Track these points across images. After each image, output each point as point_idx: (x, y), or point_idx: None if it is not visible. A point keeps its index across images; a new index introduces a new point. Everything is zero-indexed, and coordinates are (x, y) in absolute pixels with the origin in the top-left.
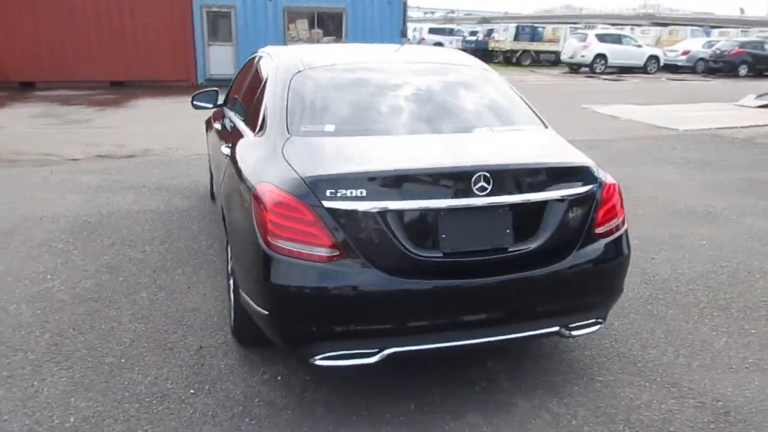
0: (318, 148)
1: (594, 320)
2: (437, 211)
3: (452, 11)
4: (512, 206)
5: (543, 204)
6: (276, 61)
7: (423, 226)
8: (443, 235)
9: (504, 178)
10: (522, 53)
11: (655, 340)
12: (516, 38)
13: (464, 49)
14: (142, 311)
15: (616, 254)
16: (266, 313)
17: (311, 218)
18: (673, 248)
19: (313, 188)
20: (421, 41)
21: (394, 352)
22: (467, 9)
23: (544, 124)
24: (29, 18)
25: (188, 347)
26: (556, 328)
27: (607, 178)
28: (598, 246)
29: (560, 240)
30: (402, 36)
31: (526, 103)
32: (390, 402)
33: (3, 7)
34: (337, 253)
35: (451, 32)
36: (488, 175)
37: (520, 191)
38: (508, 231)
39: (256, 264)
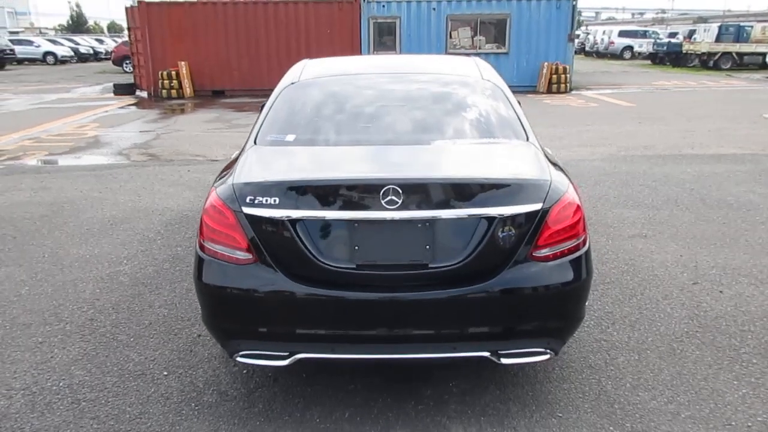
0: (263, 157)
1: (540, 350)
2: (351, 223)
3: (663, 11)
4: (432, 221)
5: (470, 220)
6: (287, 73)
7: (335, 237)
8: (356, 247)
9: (418, 192)
10: (721, 56)
11: (654, 382)
12: (717, 39)
13: (654, 53)
14: (175, 299)
15: (566, 279)
16: (201, 308)
17: (233, 222)
18: (757, 282)
19: (237, 194)
20: (610, 45)
21: (305, 358)
22: (681, 8)
23: (527, 137)
24: (222, 37)
25: (190, 335)
26: (485, 353)
27: (565, 196)
28: (538, 269)
29: (487, 259)
30: (569, 41)
31: (518, 117)
32: (329, 408)
33: (203, 28)
34: (251, 257)
35: (644, 34)
36: (398, 188)
37: (441, 206)
38: (427, 246)
39: (194, 262)
